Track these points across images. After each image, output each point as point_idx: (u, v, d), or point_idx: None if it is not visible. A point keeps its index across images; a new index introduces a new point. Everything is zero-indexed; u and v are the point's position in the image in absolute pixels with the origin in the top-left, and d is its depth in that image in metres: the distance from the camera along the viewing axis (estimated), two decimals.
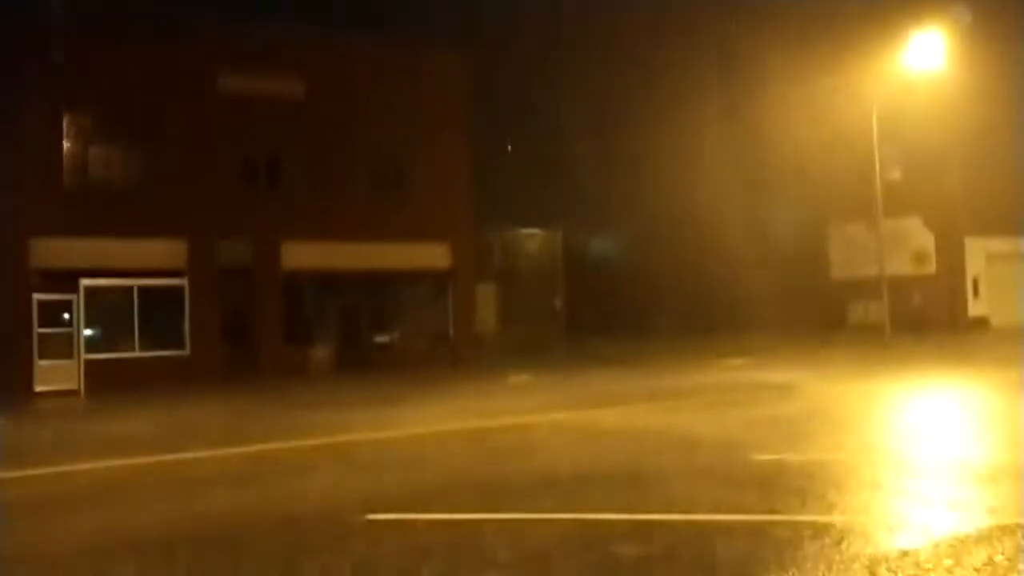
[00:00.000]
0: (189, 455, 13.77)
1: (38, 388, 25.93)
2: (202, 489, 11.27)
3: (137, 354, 27.68)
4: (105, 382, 26.18)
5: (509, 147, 54.11)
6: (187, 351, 28.39)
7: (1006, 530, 7.54)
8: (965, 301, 42.74)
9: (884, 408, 16.94)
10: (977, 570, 6.41)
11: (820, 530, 7.76)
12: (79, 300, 26.92)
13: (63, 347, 26.71)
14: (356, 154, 31.38)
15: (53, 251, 26.32)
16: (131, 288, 27.79)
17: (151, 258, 27.80)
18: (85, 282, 26.96)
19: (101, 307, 27.70)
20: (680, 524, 8.27)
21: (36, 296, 26.32)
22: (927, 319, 39.14)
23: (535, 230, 48.55)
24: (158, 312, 28.44)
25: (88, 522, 9.64)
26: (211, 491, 11.14)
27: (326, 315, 31.80)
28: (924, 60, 33.13)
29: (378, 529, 8.68)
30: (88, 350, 27.00)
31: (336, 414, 18.51)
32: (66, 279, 26.61)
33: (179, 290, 28.43)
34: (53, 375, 26.31)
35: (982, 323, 42.03)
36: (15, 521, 9.75)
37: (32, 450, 15.55)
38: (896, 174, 40.76)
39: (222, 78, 29.35)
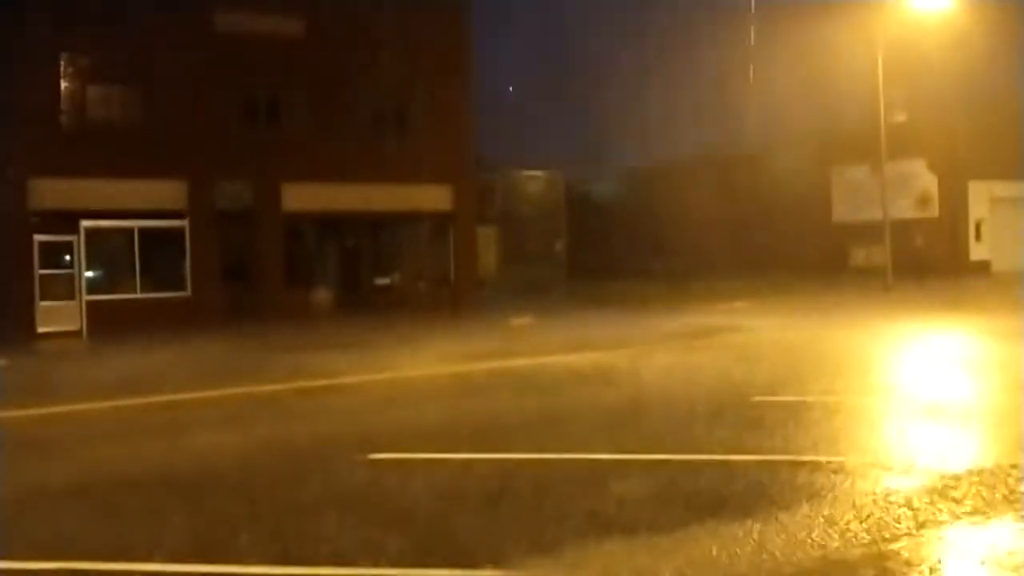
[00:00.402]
0: (189, 395, 13.83)
1: (40, 329, 25.97)
2: (203, 429, 11.33)
3: (138, 295, 27.68)
4: (107, 323, 26.20)
5: (511, 88, 53.66)
6: (188, 293, 28.39)
7: (1004, 469, 7.57)
8: (967, 245, 42.66)
9: (884, 351, 16.97)
10: (975, 508, 6.44)
11: (820, 469, 7.80)
12: (80, 241, 26.86)
13: (64, 288, 26.71)
14: (357, 94, 31.09)
15: (53, 192, 26.18)
16: (131, 229, 27.71)
17: (151, 199, 27.67)
18: (85, 223, 26.88)
19: (102, 248, 27.65)
20: (680, 464, 8.30)
21: (37, 237, 26.25)
22: (928, 263, 39.08)
23: (537, 172, 48.30)
24: (159, 253, 28.39)
25: (90, 460, 9.70)
26: (212, 431, 11.20)
27: (326, 257, 31.75)
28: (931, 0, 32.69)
29: (380, 468, 8.74)
30: (90, 291, 26.99)
31: (336, 356, 18.55)
32: (66, 220, 26.52)
33: (179, 231, 28.35)
34: (55, 316, 26.34)
35: (983, 267, 41.99)
36: (16, 459, 9.81)
37: (33, 390, 15.62)
38: (901, 116, 40.42)
39: (221, 16, 28.96)
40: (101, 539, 6.74)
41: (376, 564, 5.91)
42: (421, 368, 16.22)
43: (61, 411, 12.74)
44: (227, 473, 8.74)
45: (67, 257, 26.81)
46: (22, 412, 12.66)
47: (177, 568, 6.00)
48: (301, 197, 29.69)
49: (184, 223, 28.34)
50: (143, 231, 27.84)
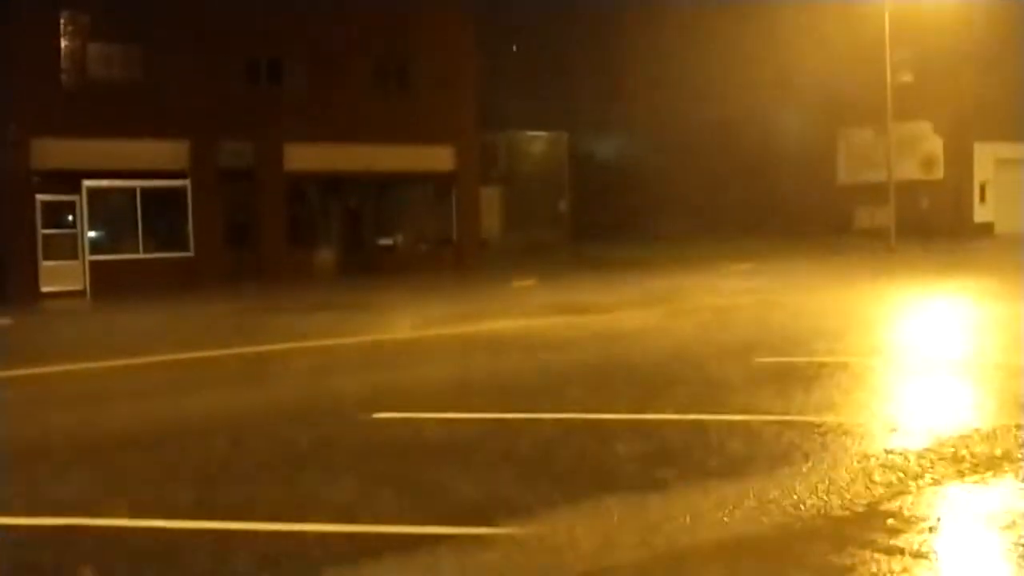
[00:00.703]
0: (192, 355, 13.86)
1: (44, 289, 26.00)
2: (206, 388, 11.37)
3: (141, 256, 27.69)
4: (110, 283, 26.23)
5: (515, 47, 53.25)
6: (191, 253, 28.39)
7: (1005, 429, 7.59)
8: (971, 207, 42.50)
9: (887, 312, 16.96)
10: (976, 467, 6.46)
11: (823, 429, 7.82)
12: (82, 201, 26.82)
13: (67, 248, 26.71)
14: (359, 54, 30.87)
15: (54, 151, 26.08)
16: (133, 189, 27.66)
17: (153, 159, 27.58)
18: (87, 183, 26.81)
19: (104, 209, 27.62)
20: (684, 424, 8.33)
21: (39, 197, 26.21)
22: (932, 225, 38.94)
23: (540, 132, 48.01)
24: (161, 214, 28.36)
25: (93, 418, 9.73)
26: (216, 390, 11.24)
27: (329, 217, 31.69)
28: None
29: (384, 427, 8.77)
30: (93, 252, 27.00)
31: (339, 316, 18.57)
32: (68, 180, 26.45)
33: (181, 192, 28.29)
34: (58, 276, 26.36)
35: (987, 229, 41.86)
36: (20, 418, 9.85)
37: (36, 349, 15.67)
38: (907, 77, 40.10)
39: None
40: (102, 496, 6.77)
41: (379, 521, 5.94)
42: (423, 329, 16.24)
43: (63, 370, 12.77)
44: (229, 432, 8.77)
45: (69, 217, 26.78)
46: (24, 371, 12.70)
47: (177, 524, 6.03)
48: (303, 157, 29.59)
49: (186, 183, 28.27)
50: (145, 191, 27.79)
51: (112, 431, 9.01)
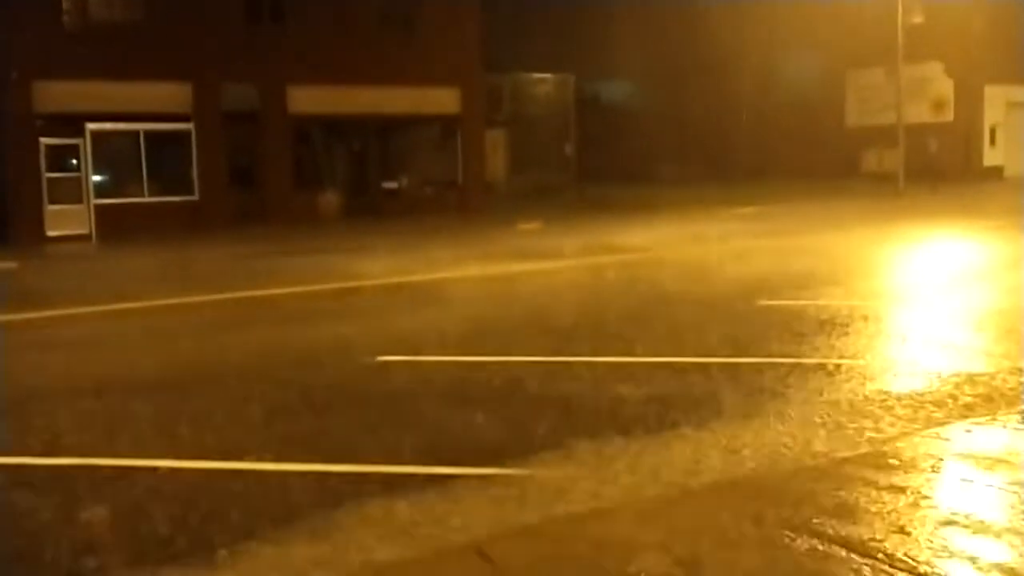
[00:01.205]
0: (198, 299, 13.89)
1: (49, 233, 26.02)
2: (212, 332, 11.43)
3: (146, 199, 27.67)
4: (116, 227, 26.23)
5: None
6: (196, 196, 28.35)
7: (1008, 372, 7.61)
8: (980, 150, 42.23)
9: (892, 256, 16.93)
10: (978, 409, 6.49)
11: (823, 371, 7.86)
12: (85, 144, 26.73)
13: (72, 192, 26.67)
14: None
15: (56, 94, 25.94)
16: (137, 132, 27.54)
17: (156, 101, 27.42)
18: (91, 126, 26.70)
19: (108, 152, 27.52)
20: (684, 366, 8.36)
21: (42, 140, 26.12)
22: (941, 168, 38.72)
23: (546, 75, 47.58)
24: (166, 157, 28.26)
25: (99, 362, 9.81)
26: (221, 334, 11.29)
27: (334, 160, 31.57)
28: None
29: (389, 369, 8.81)
30: (98, 195, 26.97)
31: (344, 259, 18.58)
32: (71, 123, 26.34)
33: (185, 134, 28.17)
34: (64, 220, 26.36)
35: (996, 173, 41.62)
36: (23, 361, 9.92)
37: (43, 293, 15.71)
38: (918, 18, 39.60)
39: None
40: (109, 437, 6.84)
41: (385, 462, 5.99)
42: (428, 273, 16.25)
43: (70, 313, 12.82)
44: (234, 374, 8.83)
45: (73, 160, 26.71)
46: (31, 315, 12.75)
47: (186, 464, 6.10)
48: (307, 99, 29.42)
49: (190, 126, 28.15)
50: (148, 134, 27.68)
51: (119, 374, 9.08)
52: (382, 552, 4.55)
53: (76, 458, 6.24)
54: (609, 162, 50.66)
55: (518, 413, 7.09)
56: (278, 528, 4.96)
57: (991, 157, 42.36)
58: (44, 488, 5.88)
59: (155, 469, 6.05)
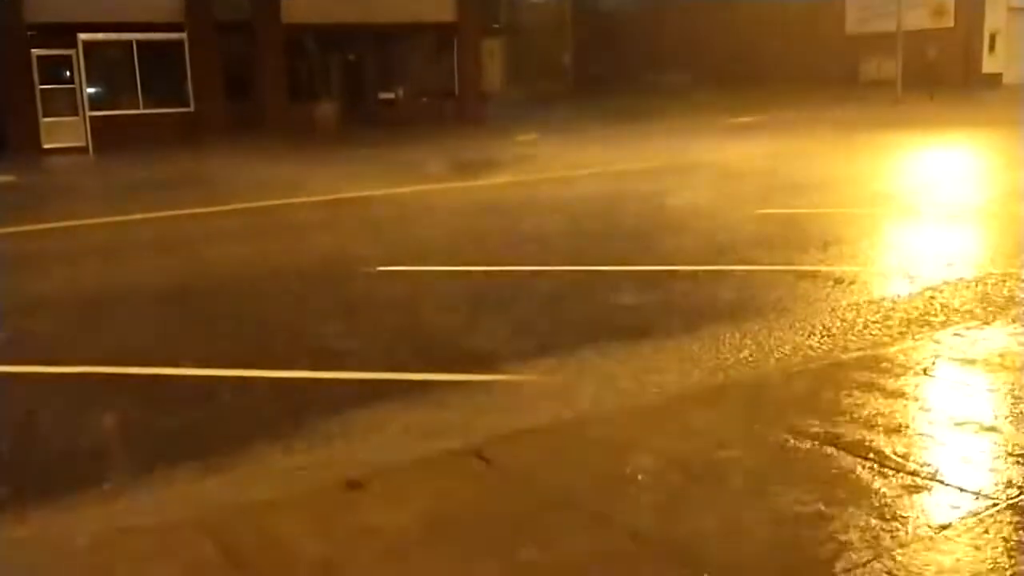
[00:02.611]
0: (194, 211, 13.91)
1: (46, 145, 25.88)
2: (209, 243, 11.45)
3: (141, 111, 27.45)
4: (112, 139, 26.06)
5: None
6: (191, 107, 28.13)
7: (1004, 276, 7.70)
8: (980, 57, 41.75)
9: (889, 164, 16.90)
10: (972, 314, 6.59)
11: (819, 278, 7.94)
12: (78, 55, 26.41)
13: (67, 104, 26.46)
14: None
15: (47, 3, 25.51)
16: (130, 43, 27.20)
17: (148, 10, 26.99)
18: (83, 36, 26.34)
19: (102, 63, 27.22)
20: (682, 274, 8.45)
21: (35, 51, 25.80)
22: (939, 75, 38.33)
23: None
24: (159, 68, 27.95)
25: (98, 273, 9.85)
26: (220, 245, 11.32)
27: (329, 70, 31.24)
28: None
29: (388, 279, 8.89)
30: (92, 107, 26.74)
31: (341, 170, 18.54)
32: (63, 33, 25.96)
33: (179, 44, 27.82)
34: (59, 132, 26.19)
35: (995, 80, 41.21)
36: (22, 273, 9.97)
37: (42, 205, 15.72)
38: None
39: None
40: (115, 346, 6.94)
41: (386, 369, 6.11)
42: (424, 183, 16.23)
43: (71, 225, 12.86)
44: (235, 284, 8.92)
45: (67, 72, 26.43)
46: (31, 227, 12.79)
47: (195, 372, 6.21)
48: (301, 8, 28.95)
49: (183, 36, 27.77)
50: (141, 44, 27.33)
51: (122, 284, 9.15)
52: (382, 455, 4.65)
53: (78, 366, 6.33)
54: (608, 71, 50.11)
55: (517, 320, 7.19)
56: (279, 435, 5.04)
57: (990, 64, 41.89)
58: (46, 395, 6.00)
59: (159, 377, 6.17)
